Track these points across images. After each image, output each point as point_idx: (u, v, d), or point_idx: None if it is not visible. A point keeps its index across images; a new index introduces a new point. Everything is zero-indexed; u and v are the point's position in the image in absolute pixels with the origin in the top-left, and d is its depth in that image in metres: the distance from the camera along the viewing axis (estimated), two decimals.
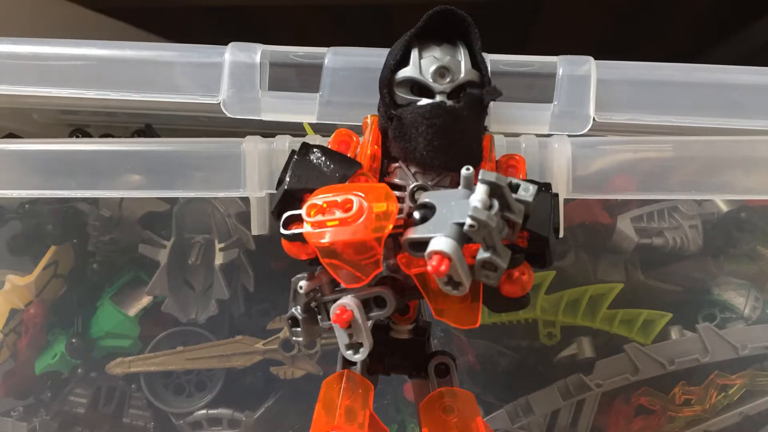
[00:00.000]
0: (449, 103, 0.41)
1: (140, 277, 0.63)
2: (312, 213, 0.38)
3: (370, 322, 0.40)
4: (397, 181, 0.42)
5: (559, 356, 0.60)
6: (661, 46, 1.23)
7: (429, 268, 0.34)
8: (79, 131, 0.72)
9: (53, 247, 0.63)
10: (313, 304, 0.42)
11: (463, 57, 0.42)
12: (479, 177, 0.35)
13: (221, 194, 0.52)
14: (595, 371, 0.59)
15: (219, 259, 0.60)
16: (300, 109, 0.52)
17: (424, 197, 0.38)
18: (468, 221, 0.34)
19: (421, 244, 0.35)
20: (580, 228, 0.60)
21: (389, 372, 0.46)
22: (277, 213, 0.40)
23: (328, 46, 0.52)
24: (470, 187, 0.37)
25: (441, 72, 0.41)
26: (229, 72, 0.52)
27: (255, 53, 0.52)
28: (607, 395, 0.59)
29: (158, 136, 0.66)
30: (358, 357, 0.40)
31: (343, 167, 0.41)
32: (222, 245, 0.60)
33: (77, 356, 0.62)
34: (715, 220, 0.60)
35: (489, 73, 0.42)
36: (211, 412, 0.61)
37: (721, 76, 0.53)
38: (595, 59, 0.52)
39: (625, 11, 1.12)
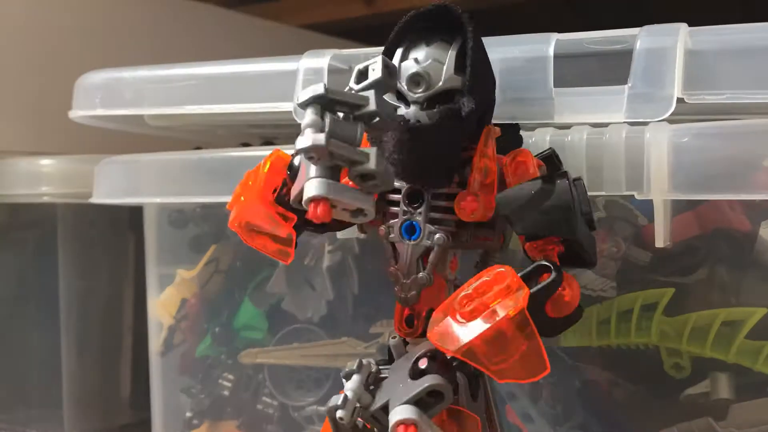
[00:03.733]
0: (420, 116, 0.38)
1: (272, 274, 0.67)
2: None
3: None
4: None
5: (685, 393, 0.49)
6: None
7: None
8: (269, 143, 0.80)
9: (213, 245, 0.71)
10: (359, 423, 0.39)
11: (448, 60, 0.38)
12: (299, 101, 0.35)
13: None
14: (730, 416, 0.47)
15: (326, 261, 0.62)
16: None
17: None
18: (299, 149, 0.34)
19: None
20: (710, 237, 0.48)
21: None
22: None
23: None
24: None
25: (416, 80, 0.38)
26: None
27: None
28: None
29: None
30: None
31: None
32: (330, 248, 0.62)
33: (222, 344, 0.69)
34: None
35: (476, 78, 0.38)
36: (320, 408, 0.63)
37: None
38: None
39: None
